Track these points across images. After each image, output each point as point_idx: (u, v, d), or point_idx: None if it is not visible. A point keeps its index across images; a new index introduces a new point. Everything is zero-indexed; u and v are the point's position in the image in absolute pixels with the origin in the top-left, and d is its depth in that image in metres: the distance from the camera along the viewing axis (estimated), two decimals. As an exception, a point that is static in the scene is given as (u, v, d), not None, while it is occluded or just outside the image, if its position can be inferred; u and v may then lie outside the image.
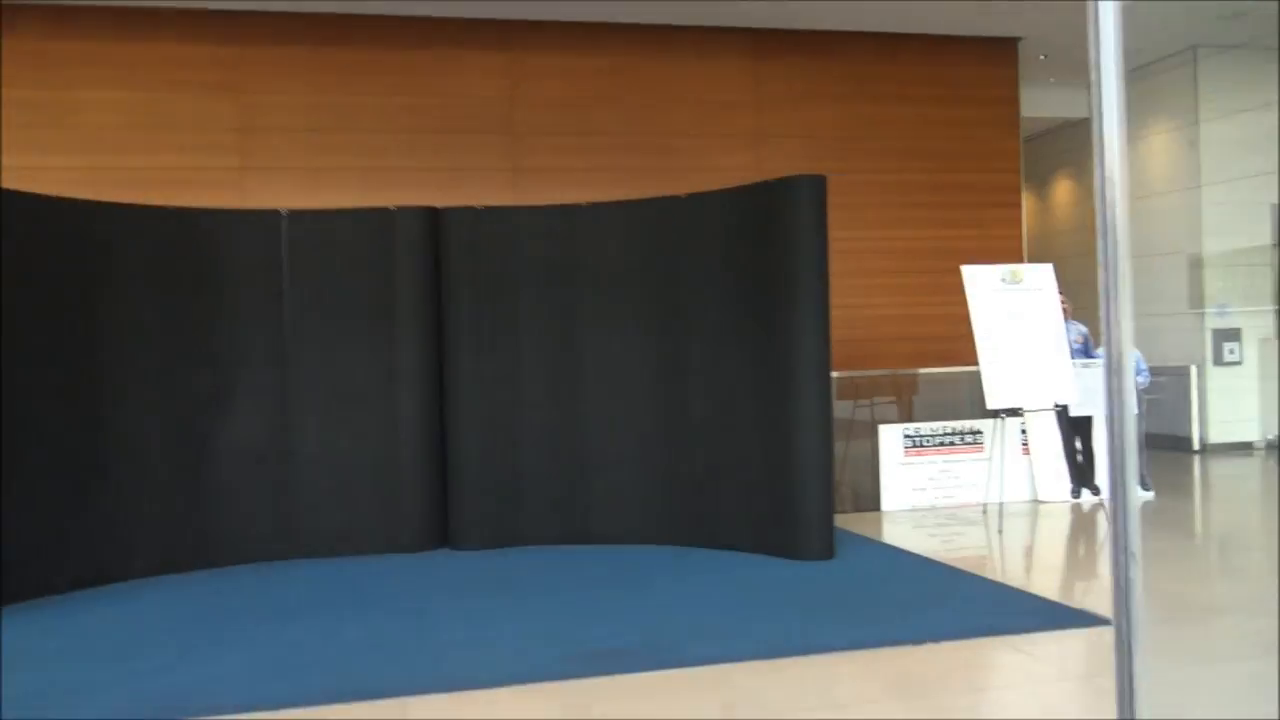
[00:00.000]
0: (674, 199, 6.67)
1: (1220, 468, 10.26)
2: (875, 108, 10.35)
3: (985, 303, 7.06)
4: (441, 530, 6.73)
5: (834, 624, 4.58)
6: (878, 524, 7.33)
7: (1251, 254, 11.30)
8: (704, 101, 10.02)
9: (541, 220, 6.84)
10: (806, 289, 6.03)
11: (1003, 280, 7.11)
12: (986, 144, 10.65)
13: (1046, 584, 5.63)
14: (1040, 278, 7.21)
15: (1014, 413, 7.25)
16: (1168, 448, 11.32)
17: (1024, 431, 8.03)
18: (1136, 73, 11.96)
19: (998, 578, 5.48)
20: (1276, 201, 11.30)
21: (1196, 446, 11.22)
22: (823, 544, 6.02)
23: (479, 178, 9.44)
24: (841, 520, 6.76)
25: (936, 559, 6.00)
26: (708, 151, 9.88)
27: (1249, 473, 10.04)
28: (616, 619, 4.79)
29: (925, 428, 7.95)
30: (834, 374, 6.35)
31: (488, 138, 9.58)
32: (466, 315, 6.70)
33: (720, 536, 6.36)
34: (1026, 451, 8.08)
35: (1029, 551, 6.59)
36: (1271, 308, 11.43)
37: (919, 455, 7.89)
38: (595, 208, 6.81)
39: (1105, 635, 4.31)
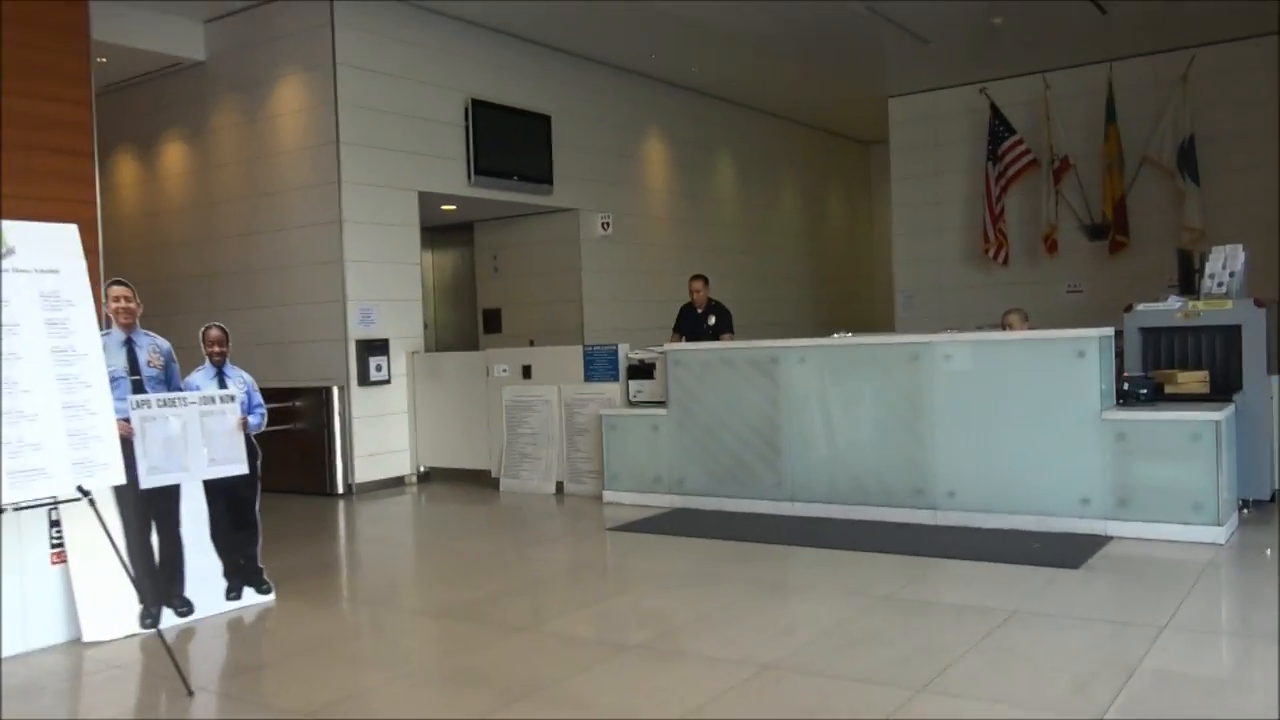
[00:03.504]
0: None
1: (372, 522, 7.93)
2: None
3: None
4: None
5: None
6: None
7: (397, 252, 9.30)
8: None
9: None
10: None
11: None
12: (61, 56, 6.76)
13: None
14: (51, 246, 3.68)
15: (34, 505, 3.71)
16: (301, 491, 8.74)
17: (56, 525, 4.49)
18: (268, 7, 9.18)
19: None
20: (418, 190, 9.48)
21: (340, 489, 8.81)
22: None
23: None
24: None
25: None
26: None
27: (402, 526, 7.88)
28: None
29: None
30: None
31: None
32: None
33: None
34: (61, 559, 4.55)
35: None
36: (419, 308, 9.61)
37: None
38: None
39: None
